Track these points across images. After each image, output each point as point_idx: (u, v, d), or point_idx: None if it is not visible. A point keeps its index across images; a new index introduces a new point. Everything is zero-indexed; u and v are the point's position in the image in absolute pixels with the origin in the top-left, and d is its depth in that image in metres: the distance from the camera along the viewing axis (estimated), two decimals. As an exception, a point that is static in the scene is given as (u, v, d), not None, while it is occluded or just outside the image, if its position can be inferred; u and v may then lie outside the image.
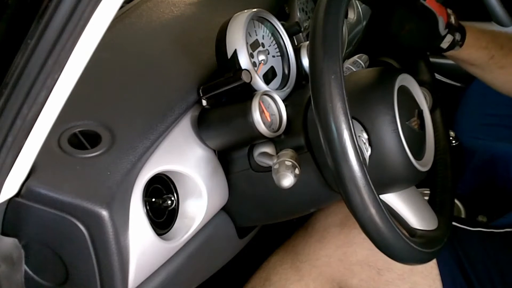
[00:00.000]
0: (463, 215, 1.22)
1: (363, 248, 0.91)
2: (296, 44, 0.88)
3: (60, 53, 0.52)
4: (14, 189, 0.62)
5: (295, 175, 0.67)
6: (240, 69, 0.73)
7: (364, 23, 1.27)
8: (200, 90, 0.75)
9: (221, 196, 0.78)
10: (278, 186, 0.67)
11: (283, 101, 0.75)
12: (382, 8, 0.88)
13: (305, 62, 0.83)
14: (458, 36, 0.90)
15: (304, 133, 0.74)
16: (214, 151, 0.78)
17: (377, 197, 0.59)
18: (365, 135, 0.68)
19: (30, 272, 0.69)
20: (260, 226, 0.93)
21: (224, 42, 0.75)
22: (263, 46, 0.81)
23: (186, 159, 0.73)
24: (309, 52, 0.63)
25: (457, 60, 0.98)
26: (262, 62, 0.79)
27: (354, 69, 0.88)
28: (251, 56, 0.77)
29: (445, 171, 0.87)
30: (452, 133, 1.24)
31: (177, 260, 0.74)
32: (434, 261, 0.89)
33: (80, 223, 0.63)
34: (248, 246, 0.92)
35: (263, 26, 0.82)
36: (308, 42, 0.67)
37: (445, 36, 0.88)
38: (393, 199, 0.75)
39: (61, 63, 0.53)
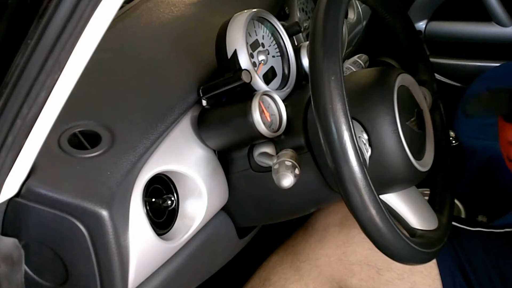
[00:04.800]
0: (463, 215, 1.22)
1: (362, 248, 0.91)
2: (296, 44, 0.88)
3: (60, 53, 0.52)
4: (14, 189, 0.62)
5: (295, 175, 0.67)
6: (240, 69, 0.73)
7: (364, 23, 1.27)
8: (200, 90, 0.75)
9: (221, 196, 0.78)
10: (278, 186, 0.67)
11: (283, 101, 0.75)
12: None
13: (305, 62, 0.83)
14: None
15: (304, 133, 0.74)
16: (214, 151, 0.77)
17: (377, 197, 0.59)
18: (365, 136, 0.68)
19: (30, 272, 0.69)
20: (260, 226, 0.93)
21: (224, 42, 0.75)
22: (263, 46, 0.81)
23: (186, 159, 0.73)
24: (309, 52, 0.63)
25: None
26: (262, 62, 0.79)
27: (354, 69, 0.88)
28: (251, 56, 0.77)
29: (445, 171, 0.87)
30: (452, 133, 1.24)
31: (177, 260, 0.74)
32: (434, 261, 0.89)
33: (80, 223, 0.63)
34: (248, 246, 0.92)
35: (263, 26, 0.82)
36: (308, 42, 0.67)
37: None
38: (393, 199, 0.75)
39: (61, 63, 0.53)
